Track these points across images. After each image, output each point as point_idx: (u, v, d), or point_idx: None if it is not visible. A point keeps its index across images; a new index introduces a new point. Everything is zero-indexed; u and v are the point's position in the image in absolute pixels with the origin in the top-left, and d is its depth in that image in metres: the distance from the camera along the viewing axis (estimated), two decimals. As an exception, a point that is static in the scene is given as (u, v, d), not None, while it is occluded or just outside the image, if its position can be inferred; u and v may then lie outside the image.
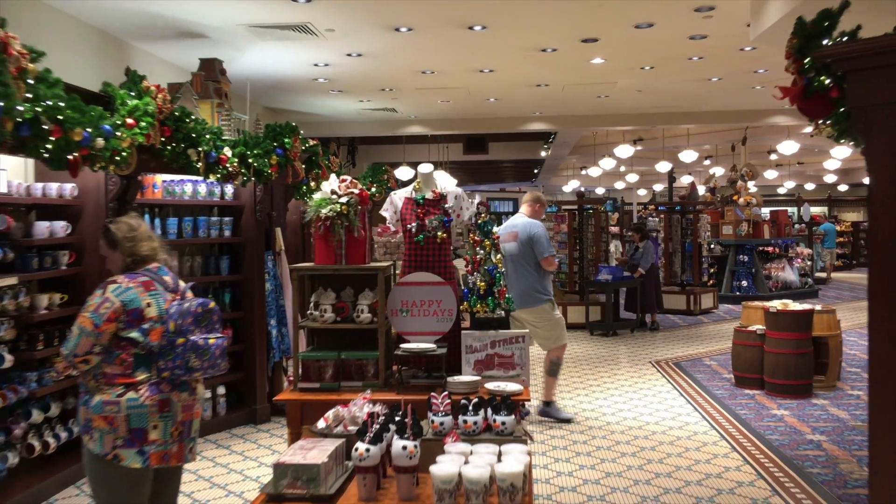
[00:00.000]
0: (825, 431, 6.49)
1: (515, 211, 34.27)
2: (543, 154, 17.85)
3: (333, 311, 4.29)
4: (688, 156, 15.67)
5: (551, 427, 6.76)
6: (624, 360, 9.91)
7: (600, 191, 29.62)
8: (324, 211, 4.22)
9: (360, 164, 16.98)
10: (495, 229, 4.59)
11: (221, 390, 6.80)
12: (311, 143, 7.88)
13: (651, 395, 7.88)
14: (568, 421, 6.94)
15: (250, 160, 6.38)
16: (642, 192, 32.46)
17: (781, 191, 32.08)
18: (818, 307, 8.13)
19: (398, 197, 4.64)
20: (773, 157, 22.63)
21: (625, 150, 14.58)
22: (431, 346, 4.19)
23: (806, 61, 3.93)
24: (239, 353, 7.00)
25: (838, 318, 8.28)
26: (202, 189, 6.75)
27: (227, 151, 6.16)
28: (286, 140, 6.69)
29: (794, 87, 4.14)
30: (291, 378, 4.25)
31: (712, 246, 15.93)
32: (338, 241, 4.26)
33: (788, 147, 14.56)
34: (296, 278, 4.30)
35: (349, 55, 8.26)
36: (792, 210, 24.16)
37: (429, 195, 4.59)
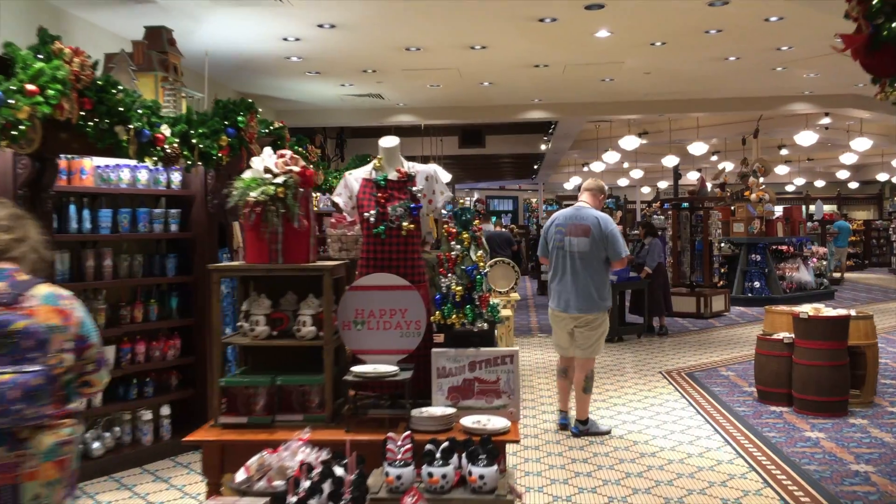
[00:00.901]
0: (871, 459, 5.52)
1: (515, 209, 33.26)
2: (543, 148, 16.89)
3: (268, 323, 3.33)
4: (697, 148, 14.70)
5: (548, 442, 5.80)
6: (630, 369, 8.94)
7: (603, 188, 28.61)
8: (253, 194, 3.26)
9: (349, 157, 16.02)
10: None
11: (166, 410, 5.83)
12: (277, 124, 6.93)
13: (663, 413, 6.92)
14: (608, 433, 6.25)
15: (194, 140, 5.42)
16: (646, 189, 31.49)
17: (789, 188, 31.09)
18: (853, 312, 7.15)
19: (354, 178, 3.68)
20: (784, 151, 21.67)
21: (630, 142, 13.62)
22: (393, 368, 3.23)
23: (875, 2, 3.06)
24: (188, 367, 6.05)
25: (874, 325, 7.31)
26: (143, 176, 5.79)
27: (165, 130, 5.21)
28: (239, 118, 5.73)
29: (857, 37, 3.20)
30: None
31: (722, 244, 14.96)
32: (272, 234, 3.29)
33: (806, 138, 13.59)
34: (216, 281, 3.33)
35: (321, 26, 7.30)
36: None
37: (392, 175, 3.63)
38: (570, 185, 27.31)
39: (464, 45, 8.12)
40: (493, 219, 24.71)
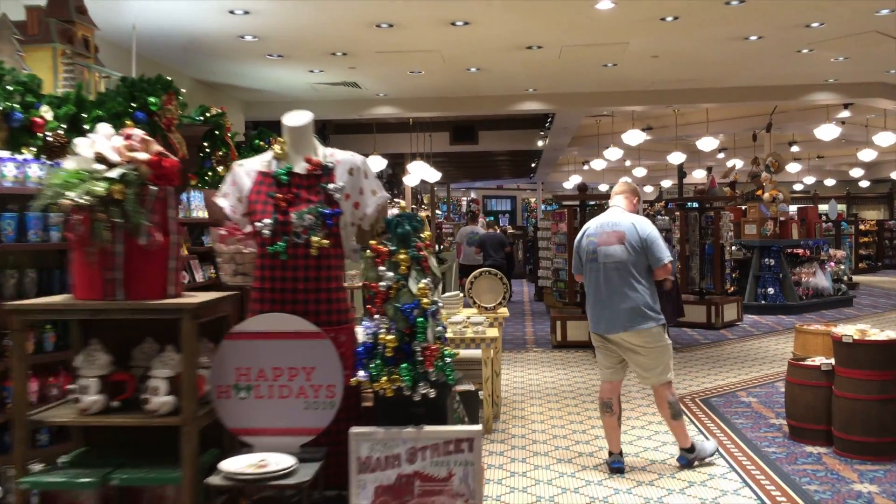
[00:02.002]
0: (943, 526, 4.39)
1: (513, 210, 32.41)
2: (540, 144, 15.76)
3: (104, 388, 2.21)
4: (706, 143, 13.55)
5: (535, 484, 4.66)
6: (636, 392, 7.80)
7: (604, 187, 27.51)
8: (71, 195, 2.13)
9: (331, 154, 14.87)
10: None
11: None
12: (215, 111, 5.80)
13: (676, 451, 5.77)
14: (714, 453, 5.57)
15: (87, 127, 4.29)
16: (648, 188, 30.36)
17: (797, 187, 29.95)
18: (903, 334, 6.00)
19: (245, 172, 2.57)
20: (795, 148, 20.52)
21: (634, 137, 12.48)
22: (288, 460, 2.11)
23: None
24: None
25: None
26: (33, 171, 4.65)
27: (46, 113, 4.08)
28: (151, 99, 4.59)
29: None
30: None
31: (734, 248, 13.81)
32: (106, 255, 2.17)
33: (827, 132, 12.44)
34: (18, 327, 2.20)
35: (271, -5, 6.18)
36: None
37: (299, 167, 2.51)
38: (569, 185, 26.18)
39: (443, 21, 6.99)
40: (490, 219, 23.67)
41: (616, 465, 5.36)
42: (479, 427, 2.25)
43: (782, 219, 14.54)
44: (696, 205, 13.01)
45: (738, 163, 17.55)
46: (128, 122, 4.52)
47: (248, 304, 2.49)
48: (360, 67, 8.91)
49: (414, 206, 21.58)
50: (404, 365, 2.19)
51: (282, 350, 2.23)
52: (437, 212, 26.71)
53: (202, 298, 2.27)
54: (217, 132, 5.70)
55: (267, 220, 2.41)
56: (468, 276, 7.25)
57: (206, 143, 5.72)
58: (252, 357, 2.23)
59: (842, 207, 28.15)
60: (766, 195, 14.49)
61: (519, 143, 16.18)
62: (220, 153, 5.76)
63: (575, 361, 9.55)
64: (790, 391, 6.20)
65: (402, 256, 2.29)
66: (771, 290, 13.92)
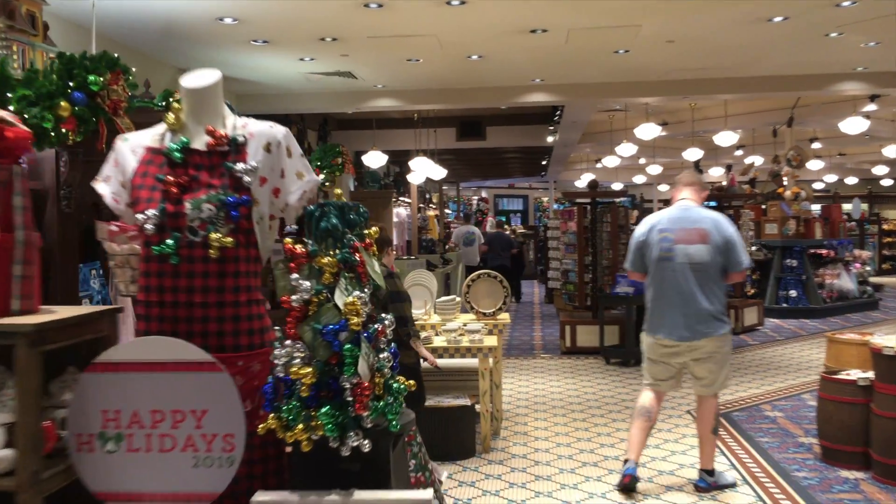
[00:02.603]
0: None
1: (525, 209, 31.85)
2: (550, 140, 15.11)
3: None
4: (724, 138, 12.86)
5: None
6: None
7: (617, 186, 26.82)
8: None
9: (332, 151, 14.28)
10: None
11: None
12: (174, 96, 5.19)
13: (694, 475, 5.13)
14: (734, 484, 4.97)
15: (11, 108, 3.71)
16: (663, 187, 29.60)
17: (818, 185, 29.09)
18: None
19: (130, 147, 1.98)
20: (816, 145, 19.74)
21: (648, 131, 11.81)
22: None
23: None
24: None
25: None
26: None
27: (-42, 91, 3.50)
28: (91, 78, 4.00)
29: None
30: None
31: (754, 248, 13.11)
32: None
33: (854, 125, 11.72)
34: None
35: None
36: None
37: (199, 142, 1.92)
38: (581, 183, 25.50)
39: (437, 0, 6.38)
40: (501, 218, 23.03)
41: (629, 472, 4.81)
42: (426, 495, 1.65)
43: (805, 217, 13.84)
44: (714, 203, 12.33)
45: (757, 160, 16.82)
46: (62, 104, 3.96)
47: (134, 326, 1.91)
48: (353, 55, 8.32)
49: (422, 206, 20.97)
50: (325, 409, 1.60)
51: (164, 386, 1.64)
52: (447, 211, 26.11)
53: (53, 316, 1.68)
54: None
55: (151, 212, 1.83)
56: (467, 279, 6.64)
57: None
58: (123, 396, 1.65)
59: (864, 207, 27.29)
60: (788, 193, 13.79)
61: (528, 139, 15.54)
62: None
63: (584, 370, 8.92)
64: (823, 408, 5.55)
65: (325, 260, 1.69)
66: (793, 293, 13.23)
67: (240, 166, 1.88)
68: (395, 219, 16.91)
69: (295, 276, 1.71)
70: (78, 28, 6.36)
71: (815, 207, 16.24)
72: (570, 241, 10.54)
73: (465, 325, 5.99)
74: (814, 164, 21.24)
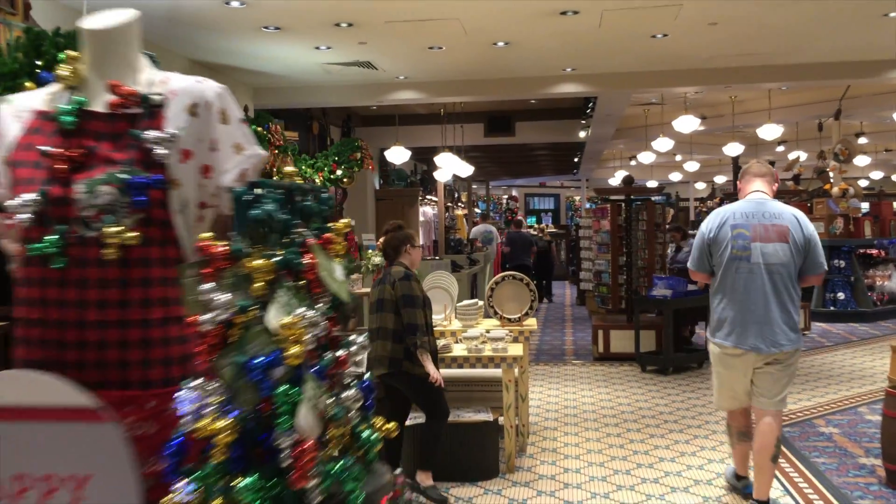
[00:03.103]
0: None
1: (557, 208, 31.16)
2: (583, 135, 14.51)
3: None
4: (768, 131, 12.15)
5: None
6: (691, 419, 6.58)
7: (653, 184, 26.07)
8: None
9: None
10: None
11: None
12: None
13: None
14: None
15: (-35, 88, 3.28)
16: (700, 185, 28.77)
17: (863, 183, 28.01)
18: None
19: (15, 111, 1.50)
20: (863, 140, 18.86)
21: (687, 123, 11.17)
22: None
23: None
24: None
25: None
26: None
27: None
28: (60, 56, 3.55)
29: None
30: None
31: (799, 247, 12.37)
32: None
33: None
34: None
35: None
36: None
37: (99, 103, 1.43)
38: (615, 181, 24.83)
39: (458, -22, 5.87)
40: (532, 220, 22.46)
41: (749, 491, 4.46)
42: None
43: (854, 216, 13.07)
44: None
45: (801, 154, 16.04)
46: (27, 84, 3.51)
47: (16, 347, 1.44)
48: (371, 42, 7.83)
49: (450, 205, 20.46)
50: (248, 481, 1.09)
51: (30, 443, 1.16)
52: (476, 210, 25.58)
53: None
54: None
55: (28, 196, 1.35)
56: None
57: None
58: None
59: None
60: (835, 189, 13.03)
61: (559, 135, 14.95)
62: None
63: (619, 378, 8.34)
64: (888, 428, 4.93)
65: (256, 263, 1.19)
66: (841, 296, 12.48)
67: (151, 135, 1.39)
68: (421, 218, 16.44)
69: (207, 286, 1.21)
70: (71, 11, 5.96)
71: (864, 205, 15.41)
72: (603, 240, 9.95)
73: (487, 331, 5.48)
74: (860, 160, 20.34)
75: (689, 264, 4.59)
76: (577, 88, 9.69)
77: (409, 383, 4.60)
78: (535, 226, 22.82)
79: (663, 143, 13.58)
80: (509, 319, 5.72)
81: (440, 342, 5.23)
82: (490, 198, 27.46)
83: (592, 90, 9.82)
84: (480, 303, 5.89)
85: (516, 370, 5.26)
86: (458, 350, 5.29)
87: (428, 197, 16.99)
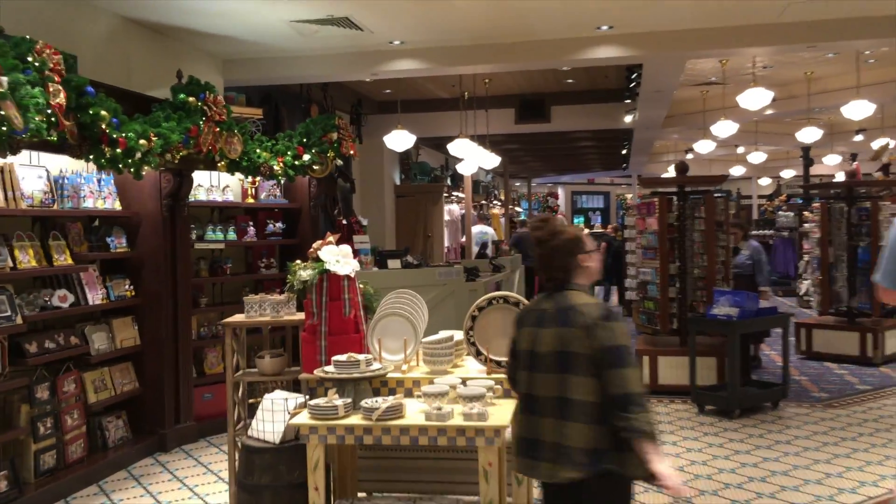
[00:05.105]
0: None
1: (607, 208, 29.10)
2: (629, 119, 12.50)
3: None
4: (856, 109, 9.95)
5: None
6: (769, 498, 4.61)
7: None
8: None
9: (367, 140, 12.12)
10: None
11: None
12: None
13: None
14: None
15: None
16: (765, 181, 26.28)
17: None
18: None
19: None
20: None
21: (756, 98, 9.07)
22: None
23: None
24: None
25: None
26: None
27: None
28: None
29: None
30: None
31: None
32: None
33: None
34: None
35: None
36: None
37: None
38: (669, 176, 22.66)
39: None
40: (580, 219, 20.41)
41: None
42: None
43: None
44: (840, 192, 9.49)
45: (892, 142, 13.72)
46: None
47: None
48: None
49: (484, 203, 18.61)
50: None
51: None
52: (518, 209, 23.69)
53: None
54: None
55: None
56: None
57: None
58: None
59: None
60: (937, 180, 10.78)
61: (602, 121, 12.94)
62: None
63: (668, 421, 6.39)
64: None
65: None
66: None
67: None
68: (446, 217, 14.66)
69: None
70: None
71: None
72: (649, 243, 7.97)
73: (463, 381, 3.64)
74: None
75: (879, 279, 2.89)
76: (617, 52, 7.72)
77: (609, 492, 2.80)
78: (609, 226, 20.99)
79: (725, 127, 11.44)
80: (497, 363, 3.83)
81: (384, 402, 3.41)
82: (531, 195, 25.50)
83: (636, 54, 7.83)
84: (456, 337, 4.03)
85: (497, 445, 3.36)
86: (412, 412, 3.46)
87: (455, 194, 15.21)
